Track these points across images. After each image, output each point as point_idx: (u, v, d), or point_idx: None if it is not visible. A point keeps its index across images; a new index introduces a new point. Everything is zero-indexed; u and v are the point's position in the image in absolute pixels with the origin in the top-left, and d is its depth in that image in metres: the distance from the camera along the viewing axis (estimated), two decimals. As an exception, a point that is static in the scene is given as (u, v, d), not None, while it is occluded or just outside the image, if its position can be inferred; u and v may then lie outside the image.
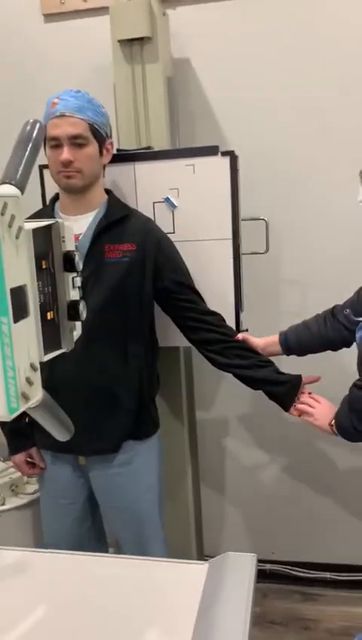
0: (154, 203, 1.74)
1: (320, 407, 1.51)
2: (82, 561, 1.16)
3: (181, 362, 1.93)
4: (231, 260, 1.73)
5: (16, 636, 0.93)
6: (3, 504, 1.95)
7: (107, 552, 1.85)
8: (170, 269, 1.58)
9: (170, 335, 1.71)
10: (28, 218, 0.76)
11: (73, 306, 0.78)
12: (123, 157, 1.73)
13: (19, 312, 0.66)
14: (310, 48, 1.89)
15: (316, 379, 1.60)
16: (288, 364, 1.67)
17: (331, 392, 1.50)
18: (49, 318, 0.75)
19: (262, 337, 1.64)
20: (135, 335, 1.57)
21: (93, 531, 1.75)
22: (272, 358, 1.63)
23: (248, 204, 1.82)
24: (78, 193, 1.53)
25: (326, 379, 1.61)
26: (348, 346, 1.55)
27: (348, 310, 1.48)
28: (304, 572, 2.25)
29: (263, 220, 1.89)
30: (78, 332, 0.81)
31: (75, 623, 0.96)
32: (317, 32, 1.88)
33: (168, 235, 1.66)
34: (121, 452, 1.60)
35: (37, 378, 0.71)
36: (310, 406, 1.52)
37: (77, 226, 1.50)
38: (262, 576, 2.19)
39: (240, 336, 1.63)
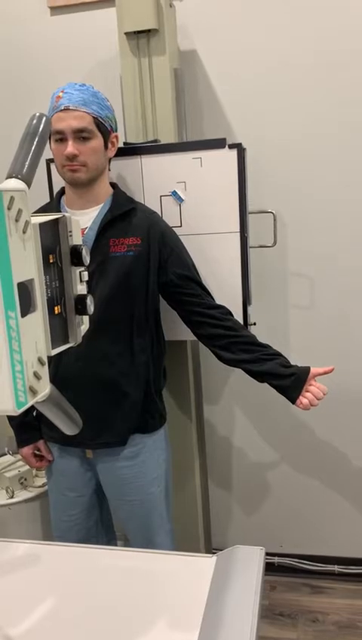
0: (161, 196, 1.74)
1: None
2: (90, 553, 1.17)
3: (188, 356, 1.93)
4: (239, 253, 1.72)
5: (25, 628, 0.94)
6: (12, 497, 1.97)
7: (115, 544, 1.86)
8: (174, 263, 1.58)
9: (178, 329, 1.70)
10: (34, 212, 0.75)
11: (81, 300, 0.78)
12: (129, 150, 1.73)
13: (27, 306, 0.66)
14: (318, 39, 1.88)
15: (328, 370, 1.55)
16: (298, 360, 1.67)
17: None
18: (56, 312, 0.75)
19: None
20: (141, 329, 1.57)
21: (101, 524, 1.76)
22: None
23: (256, 197, 1.81)
24: (83, 187, 1.53)
25: (338, 370, 1.60)
26: None
27: None
28: (312, 565, 2.26)
29: (271, 212, 1.88)
30: (85, 326, 0.81)
31: (82, 615, 0.97)
32: (324, 23, 1.86)
33: (175, 228, 1.66)
34: (128, 445, 1.60)
35: (44, 372, 0.71)
36: (316, 398, 1.52)
37: (83, 221, 1.50)
38: (270, 568, 2.22)
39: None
